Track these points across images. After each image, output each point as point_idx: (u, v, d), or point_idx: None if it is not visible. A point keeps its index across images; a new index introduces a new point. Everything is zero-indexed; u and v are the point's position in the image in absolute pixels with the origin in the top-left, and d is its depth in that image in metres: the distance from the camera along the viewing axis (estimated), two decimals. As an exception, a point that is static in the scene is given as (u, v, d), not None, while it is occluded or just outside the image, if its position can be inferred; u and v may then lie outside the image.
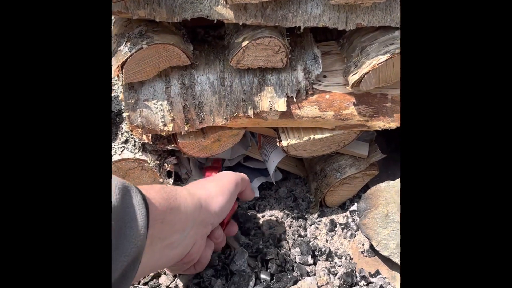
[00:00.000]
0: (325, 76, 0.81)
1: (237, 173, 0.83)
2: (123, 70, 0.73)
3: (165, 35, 0.73)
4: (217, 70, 0.79)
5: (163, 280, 0.85)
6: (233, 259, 0.85)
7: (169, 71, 0.78)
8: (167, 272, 0.85)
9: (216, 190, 0.76)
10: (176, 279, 0.84)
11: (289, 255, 0.91)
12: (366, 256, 0.91)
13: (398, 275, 0.87)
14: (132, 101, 0.78)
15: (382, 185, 0.86)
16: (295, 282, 0.83)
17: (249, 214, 0.99)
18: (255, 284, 0.82)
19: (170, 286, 0.83)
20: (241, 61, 0.75)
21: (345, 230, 0.97)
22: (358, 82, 0.76)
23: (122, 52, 0.72)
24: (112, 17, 0.81)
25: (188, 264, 0.75)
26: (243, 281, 0.80)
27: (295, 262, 0.90)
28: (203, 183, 0.78)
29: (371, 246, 0.89)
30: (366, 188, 0.97)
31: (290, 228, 0.98)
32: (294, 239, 0.95)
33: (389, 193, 0.85)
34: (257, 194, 1.02)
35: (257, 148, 1.01)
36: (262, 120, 0.83)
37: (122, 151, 0.89)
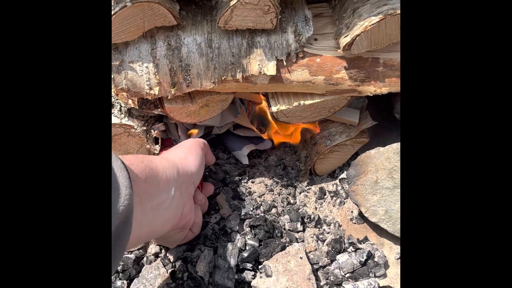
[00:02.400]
0: (316, 39, 0.79)
1: (196, 138, 0.87)
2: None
3: (149, -8, 0.70)
4: (205, 32, 0.76)
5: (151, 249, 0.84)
6: (229, 218, 0.86)
7: (155, 32, 0.75)
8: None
9: (185, 152, 0.79)
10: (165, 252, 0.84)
11: (278, 222, 0.91)
12: (354, 223, 0.91)
13: (386, 241, 0.87)
14: (117, 62, 0.75)
15: (372, 151, 0.85)
16: (283, 248, 0.83)
17: (239, 179, 0.99)
18: (243, 250, 0.81)
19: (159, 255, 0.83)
20: (229, 21, 0.73)
21: (334, 198, 0.97)
22: (349, 45, 0.74)
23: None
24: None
25: (185, 228, 0.76)
26: (228, 251, 0.80)
27: (284, 229, 0.90)
28: (169, 151, 0.81)
29: (360, 213, 0.89)
30: (356, 156, 0.96)
31: (279, 195, 0.98)
32: (283, 207, 0.95)
33: (379, 159, 0.84)
34: (246, 162, 1.00)
35: (247, 115, 0.99)
36: (251, 85, 0.80)
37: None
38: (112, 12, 0.68)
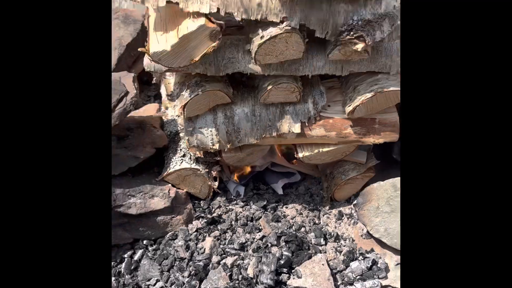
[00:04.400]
0: (329, 106, 1.11)
1: None
2: (185, 109, 1.04)
3: (213, 83, 1.04)
4: (250, 104, 1.09)
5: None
6: (269, 235, 1.17)
7: (216, 107, 1.09)
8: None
9: None
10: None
11: (306, 238, 1.21)
12: (364, 239, 1.20)
13: (387, 252, 1.15)
14: (191, 129, 1.09)
15: (375, 185, 1.15)
16: (310, 257, 1.13)
17: (276, 205, 1.30)
18: (280, 259, 1.12)
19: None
20: (267, 99, 1.05)
21: (350, 219, 1.26)
22: (352, 112, 1.05)
23: (184, 96, 1.04)
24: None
25: None
26: (269, 259, 1.11)
27: (311, 243, 1.20)
28: None
29: (367, 231, 1.18)
30: (366, 185, 1.25)
31: (307, 217, 1.28)
32: (310, 226, 1.25)
33: (379, 190, 1.14)
34: (281, 192, 1.32)
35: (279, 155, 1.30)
36: (283, 139, 1.13)
37: (181, 163, 1.21)
38: (189, 98, 1.03)
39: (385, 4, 0.90)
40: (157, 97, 1.56)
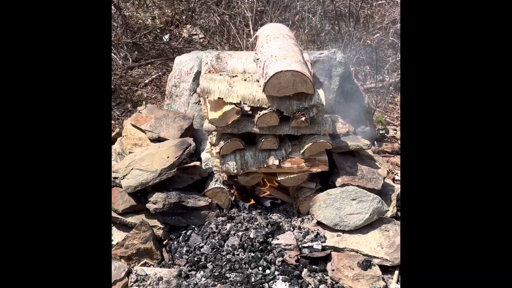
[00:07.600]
0: (290, 153, 2.19)
1: None
2: (220, 151, 2.12)
3: (235, 137, 2.14)
4: (253, 150, 2.18)
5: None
6: (262, 222, 2.14)
7: (235, 150, 2.17)
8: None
9: None
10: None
11: (282, 226, 2.17)
12: (314, 226, 2.16)
13: (326, 230, 2.11)
14: (223, 161, 2.16)
15: (318, 194, 2.17)
16: (283, 233, 2.08)
17: (267, 211, 2.28)
18: (268, 232, 2.07)
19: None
20: (262, 146, 2.14)
21: (307, 221, 2.23)
22: (303, 153, 2.14)
23: (220, 144, 2.13)
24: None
25: None
26: (261, 230, 2.06)
27: (285, 229, 2.16)
28: None
29: (317, 221, 2.15)
30: (316, 202, 2.26)
31: (284, 221, 2.25)
32: (285, 223, 2.22)
33: (320, 197, 2.15)
34: (269, 205, 2.31)
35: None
36: (270, 169, 2.18)
37: (214, 184, 2.23)
38: (223, 144, 2.11)
39: (314, 100, 2.05)
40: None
